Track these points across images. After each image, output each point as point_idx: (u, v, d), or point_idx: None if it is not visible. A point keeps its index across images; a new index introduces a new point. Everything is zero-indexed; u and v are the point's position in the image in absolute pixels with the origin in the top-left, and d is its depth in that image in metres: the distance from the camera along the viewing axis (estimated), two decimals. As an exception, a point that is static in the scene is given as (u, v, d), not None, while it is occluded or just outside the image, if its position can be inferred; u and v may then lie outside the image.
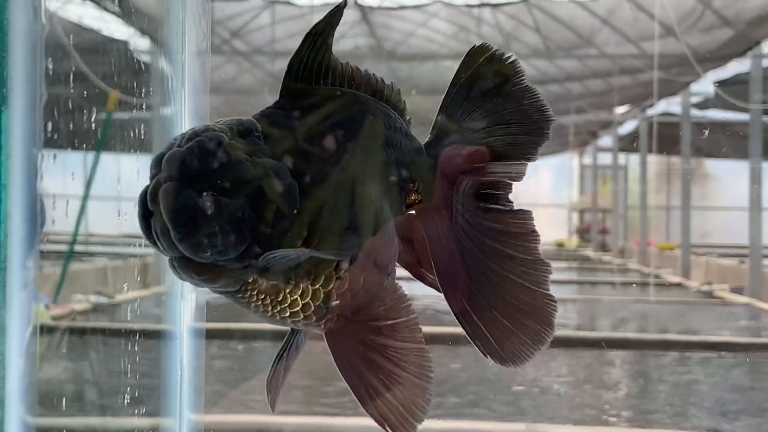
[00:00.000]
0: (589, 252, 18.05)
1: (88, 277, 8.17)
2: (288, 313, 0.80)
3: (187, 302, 1.52)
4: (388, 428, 0.82)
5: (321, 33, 0.80)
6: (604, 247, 18.27)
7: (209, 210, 0.71)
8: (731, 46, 10.16)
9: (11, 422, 1.03)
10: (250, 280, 0.76)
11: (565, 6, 11.43)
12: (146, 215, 0.72)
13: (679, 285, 11.16)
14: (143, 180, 0.74)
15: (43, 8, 1.09)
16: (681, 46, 9.63)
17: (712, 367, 5.73)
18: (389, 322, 0.84)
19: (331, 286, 0.79)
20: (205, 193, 0.71)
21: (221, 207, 0.71)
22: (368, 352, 0.83)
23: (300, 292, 0.78)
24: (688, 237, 12.35)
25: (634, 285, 11.28)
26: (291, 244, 0.75)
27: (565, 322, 7.59)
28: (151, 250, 0.73)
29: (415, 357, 0.83)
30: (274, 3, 11.42)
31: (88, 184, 6.53)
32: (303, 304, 0.79)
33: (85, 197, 6.68)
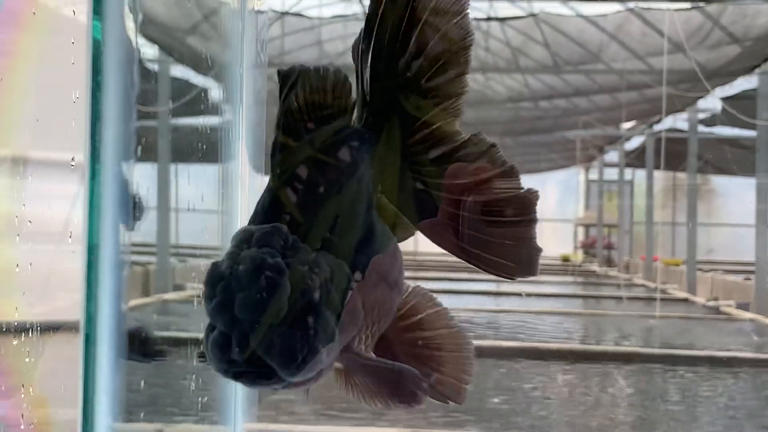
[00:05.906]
0: (595, 267, 18.06)
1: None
2: None
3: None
4: (449, 401, 0.90)
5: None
6: (609, 263, 18.27)
7: (307, 340, 0.73)
8: (739, 62, 10.20)
9: (100, 429, 1.05)
10: None
11: (574, 21, 11.47)
12: (226, 356, 0.72)
13: (685, 300, 11.17)
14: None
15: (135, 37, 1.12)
16: (689, 63, 9.67)
17: (719, 381, 5.75)
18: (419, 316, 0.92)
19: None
20: (296, 326, 0.72)
21: (312, 332, 0.73)
22: (411, 350, 0.91)
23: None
24: (694, 253, 12.35)
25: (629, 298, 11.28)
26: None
27: (571, 336, 7.62)
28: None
29: (453, 339, 0.92)
30: (284, 14, 11.45)
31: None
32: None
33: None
